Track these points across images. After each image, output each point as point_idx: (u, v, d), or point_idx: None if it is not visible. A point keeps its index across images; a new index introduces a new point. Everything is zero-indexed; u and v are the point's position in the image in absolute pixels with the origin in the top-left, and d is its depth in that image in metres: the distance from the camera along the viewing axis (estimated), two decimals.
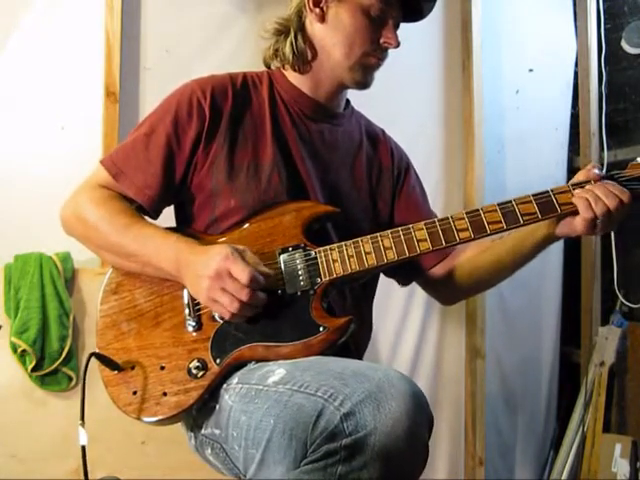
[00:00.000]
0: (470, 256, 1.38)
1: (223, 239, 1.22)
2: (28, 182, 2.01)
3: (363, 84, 1.33)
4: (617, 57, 2.92)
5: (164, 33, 2.21)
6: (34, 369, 1.85)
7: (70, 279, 1.98)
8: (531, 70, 2.88)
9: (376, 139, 1.47)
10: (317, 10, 1.28)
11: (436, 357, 2.64)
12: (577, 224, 1.14)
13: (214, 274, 1.07)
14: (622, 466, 2.43)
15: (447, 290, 1.44)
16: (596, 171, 1.17)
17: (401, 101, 2.52)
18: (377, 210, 1.40)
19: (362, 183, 1.38)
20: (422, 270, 1.42)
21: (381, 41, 1.28)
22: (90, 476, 1.14)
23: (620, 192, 1.12)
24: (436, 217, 1.20)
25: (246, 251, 1.12)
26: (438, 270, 1.41)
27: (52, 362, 1.87)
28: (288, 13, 1.33)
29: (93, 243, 1.25)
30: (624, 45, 2.86)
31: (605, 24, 2.97)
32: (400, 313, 2.54)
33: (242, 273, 1.06)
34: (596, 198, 1.11)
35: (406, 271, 1.44)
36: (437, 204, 2.58)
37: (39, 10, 2.05)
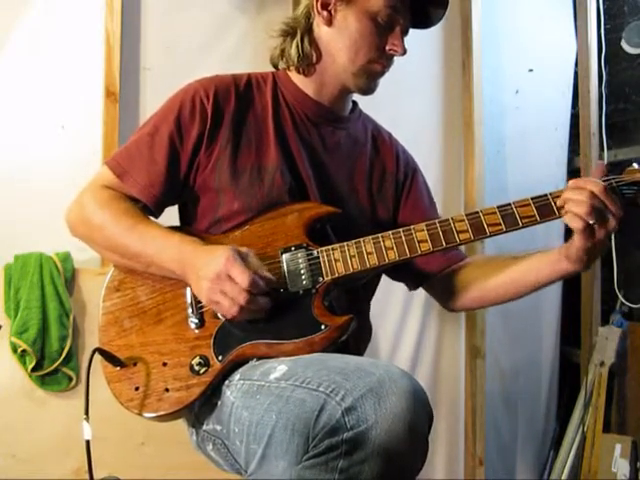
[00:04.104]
0: (480, 270, 1.36)
1: (226, 239, 1.23)
2: (28, 182, 2.01)
3: (366, 90, 1.33)
4: (617, 57, 2.92)
5: (164, 33, 2.21)
6: (34, 369, 1.84)
7: (70, 279, 1.98)
8: (531, 70, 2.89)
9: (381, 143, 1.46)
10: (325, 13, 1.28)
11: (435, 357, 2.64)
12: (575, 240, 1.11)
13: (214, 276, 1.07)
14: (622, 466, 2.43)
15: (452, 298, 1.42)
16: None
17: (401, 101, 2.52)
18: (377, 214, 1.40)
19: (362, 186, 1.38)
20: (430, 275, 1.42)
21: (387, 48, 1.27)
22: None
23: (593, 184, 1.08)
24: None
25: (249, 254, 1.12)
26: (447, 277, 1.41)
27: (52, 362, 1.87)
28: (296, 14, 1.33)
29: (98, 244, 1.26)
30: (624, 45, 2.87)
31: (605, 24, 2.98)
32: (399, 313, 2.54)
33: (241, 277, 1.06)
34: (575, 202, 1.08)
35: (414, 275, 1.44)
36: (437, 204, 2.57)
37: (39, 10, 2.06)
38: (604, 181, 1.11)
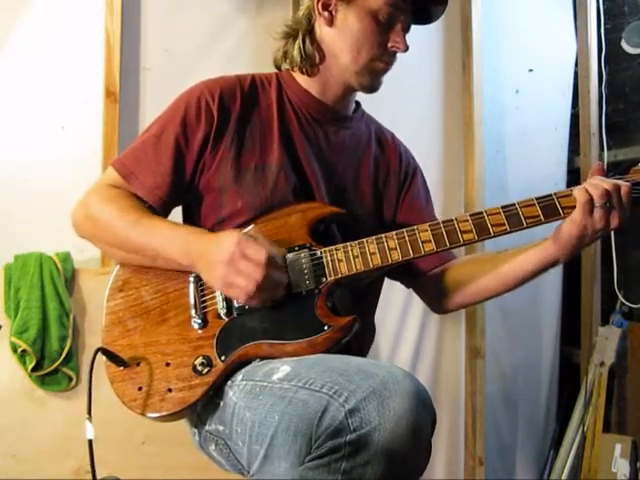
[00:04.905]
0: (469, 266, 1.37)
1: None
2: (28, 182, 2.01)
3: (370, 88, 1.33)
4: (617, 57, 2.92)
5: (164, 33, 2.22)
6: (34, 369, 1.84)
7: (70, 279, 1.98)
8: (531, 70, 2.89)
9: (385, 143, 1.46)
10: (326, 14, 1.28)
11: (435, 357, 2.64)
12: (575, 213, 1.12)
13: (228, 259, 1.07)
14: (622, 466, 2.43)
15: (443, 297, 1.42)
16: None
17: (401, 101, 2.52)
18: (382, 213, 1.40)
19: (367, 186, 1.38)
20: (420, 272, 1.42)
21: (389, 45, 1.27)
22: (90, 476, 1.14)
23: (617, 181, 1.12)
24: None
25: (258, 235, 1.12)
26: (436, 276, 1.41)
27: (52, 362, 1.87)
28: (298, 16, 1.34)
29: (104, 241, 1.26)
30: (624, 45, 2.86)
31: (605, 24, 2.97)
32: (399, 313, 2.54)
33: (258, 253, 1.07)
34: (592, 184, 1.11)
35: (409, 273, 1.44)
36: (437, 204, 2.52)
37: (39, 10, 2.06)
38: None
